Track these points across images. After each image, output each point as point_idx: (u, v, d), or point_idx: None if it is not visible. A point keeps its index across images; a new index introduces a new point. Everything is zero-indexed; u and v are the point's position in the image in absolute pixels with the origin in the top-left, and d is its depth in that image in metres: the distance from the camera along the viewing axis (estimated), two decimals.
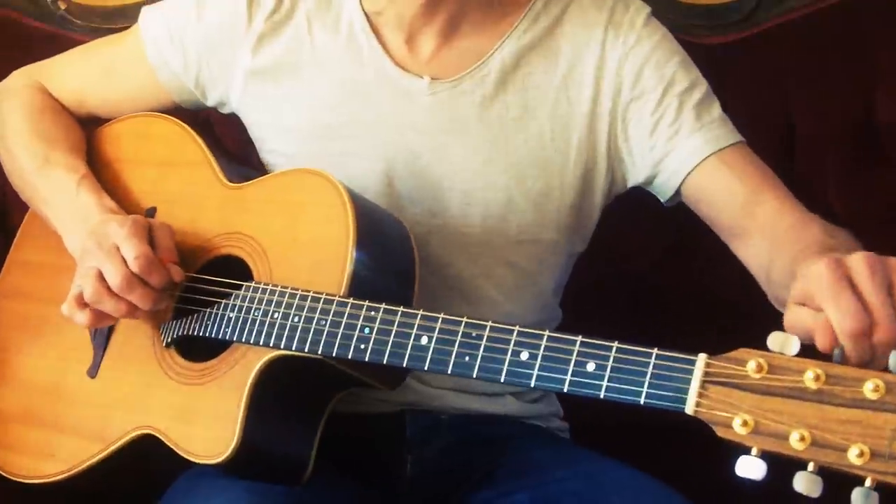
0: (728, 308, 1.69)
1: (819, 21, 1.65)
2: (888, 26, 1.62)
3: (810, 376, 0.85)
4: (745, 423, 0.87)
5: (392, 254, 1.24)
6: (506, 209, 1.34)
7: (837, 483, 0.85)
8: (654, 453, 1.38)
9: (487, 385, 1.38)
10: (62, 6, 1.74)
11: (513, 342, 1.02)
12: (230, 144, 1.56)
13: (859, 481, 0.83)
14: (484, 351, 1.03)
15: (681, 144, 1.32)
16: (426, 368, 1.07)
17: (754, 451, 0.87)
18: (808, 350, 0.89)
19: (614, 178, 1.38)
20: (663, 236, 1.71)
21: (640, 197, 1.42)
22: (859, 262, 0.90)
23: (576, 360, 0.97)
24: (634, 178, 1.37)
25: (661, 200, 1.38)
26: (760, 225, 1.27)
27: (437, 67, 1.36)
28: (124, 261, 1.23)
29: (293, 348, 1.15)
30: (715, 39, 1.68)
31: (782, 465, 0.87)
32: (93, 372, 1.34)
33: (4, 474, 1.36)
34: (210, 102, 1.46)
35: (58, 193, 1.39)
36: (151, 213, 1.37)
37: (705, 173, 1.31)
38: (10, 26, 1.74)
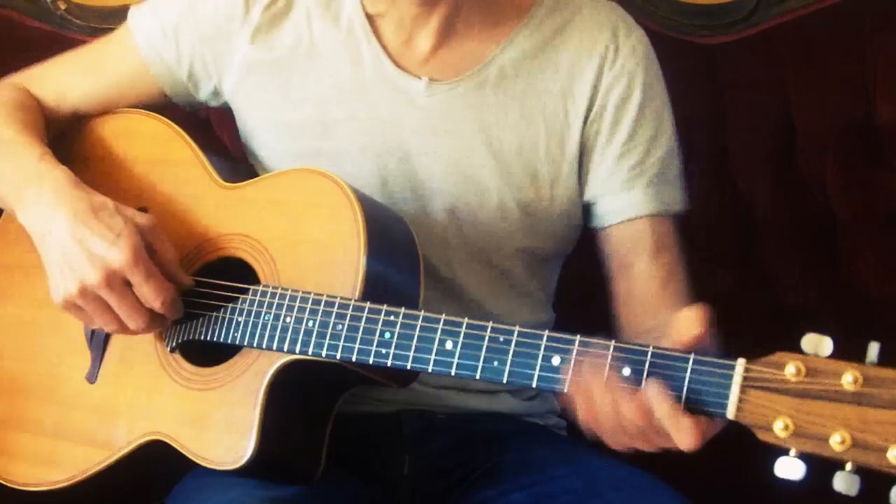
0: (725, 311, 1.69)
1: (819, 21, 1.66)
2: (888, 26, 1.63)
3: (848, 379, 0.86)
4: (785, 427, 0.88)
5: (400, 253, 1.23)
6: (495, 214, 1.34)
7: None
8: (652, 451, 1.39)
9: (485, 383, 1.38)
10: (62, 6, 1.74)
11: (543, 347, 1.01)
12: (229, 144, 1.54)
13: None
14: (513, 356, 1.03)
15: (637, 189, 1.35)
16: (453, 374, 1.06)
17: (792, 451, 0.88)
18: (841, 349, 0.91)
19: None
20: None
21: None
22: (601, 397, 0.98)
23: (610, 365, 0.97)
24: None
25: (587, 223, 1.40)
26: (632, 289, 1.36)
27: (436, 69, 1.35)
28: (140, 304, 1.21)
29: (309, 353, 1.14)
30: (715, 39, 1.69)
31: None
32: (92, 377, 1.31)
33: (3, 482, 1.33)
34: (202, 96, 1.43)
35: (13, 166, 1.33)
36: None
37: (639, 225, 1.35)
38: (10, 26, 1.73)
